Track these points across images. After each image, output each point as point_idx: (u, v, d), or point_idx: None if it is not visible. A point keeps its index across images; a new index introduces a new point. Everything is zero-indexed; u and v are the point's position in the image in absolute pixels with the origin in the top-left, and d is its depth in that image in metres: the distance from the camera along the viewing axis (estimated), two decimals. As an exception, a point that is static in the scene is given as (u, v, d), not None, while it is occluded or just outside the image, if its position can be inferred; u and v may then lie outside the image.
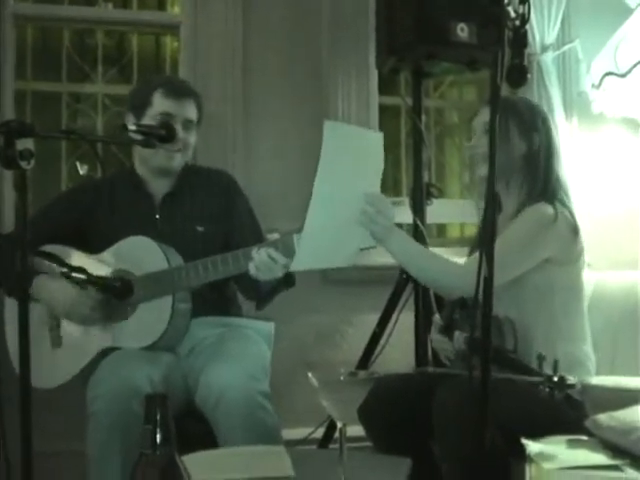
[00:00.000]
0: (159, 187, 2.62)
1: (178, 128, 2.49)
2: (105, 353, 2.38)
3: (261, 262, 2.18)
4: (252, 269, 2.21)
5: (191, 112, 2.58)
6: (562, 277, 2.31)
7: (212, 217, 2.61)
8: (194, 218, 2.60)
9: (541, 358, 1.91)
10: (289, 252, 2.14)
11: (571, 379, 1.85)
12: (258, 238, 2.50)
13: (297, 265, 2.03)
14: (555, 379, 1.84)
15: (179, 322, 2.41)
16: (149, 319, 2.38)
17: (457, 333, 2.23)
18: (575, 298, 2.36)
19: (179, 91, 2.58)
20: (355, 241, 2.14)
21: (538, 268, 2.26)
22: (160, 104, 2.53)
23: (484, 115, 2.41)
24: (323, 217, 1.96)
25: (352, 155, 2.01)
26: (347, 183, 2.02)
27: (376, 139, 2.13)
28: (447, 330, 2.30)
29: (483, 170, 2.41)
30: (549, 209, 2.26)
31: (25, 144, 1.63)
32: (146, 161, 2.59)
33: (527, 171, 2.36)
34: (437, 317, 2.45)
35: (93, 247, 2.49)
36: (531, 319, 2.27)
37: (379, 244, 2.18)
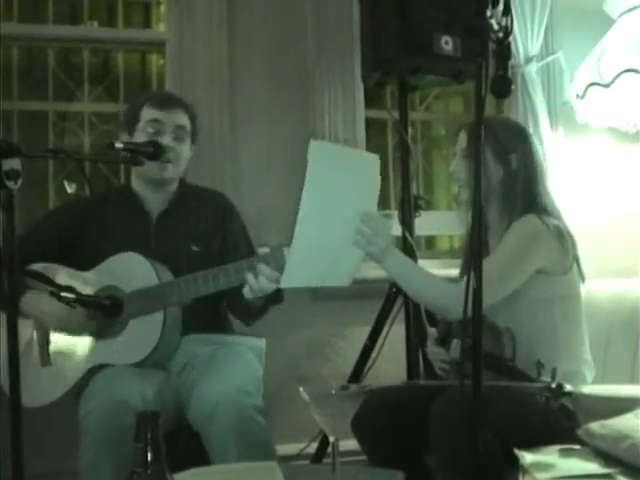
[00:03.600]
0: (155, 204, 2.62)
1: (167, 138, 2.50)
2: (95, 370, 2.37)
3: (260, 289, 2.18)
4: (247, 293, 2.21)
5: (181, 120, 2.58)
6: (558, 287, 2.31)
7: (207, 237, 2.61)
8: (189, 237, 2.59)
9: (540, 366, 1.92)
10: (280, 266, 2.13)
11: (568, 387, 1.85)
12: None
13: (286, 282, 2.03)
14: (553, 386, 1.84)
15: (170, 337, 2.40)
16: (140, 335, 2.37)
17: (454, 342, 2.23)
18: (572, 307, 2.36)
19: (166, 100, 2.60)
20: (350, 261, 2.13)
21: (532, 280, 2.26)
22: (148, 114, 2.54)
23: (462, 141, 2.43)
24: (311, 235, 1.96)
25: (343, 175, 2.01)
26: (338, 202, 2.02)
27: (371, 160, 2.13)
28: (444, 341, 2.30)
29: (464, 195, 2.43)
30: (535, 220, 2.26)
31: (12, 164, 1.62)
32: (140, 174, 2.59)
33: (506, 193, 2.36)
34: (433, 330, 2.46)
35: (85, 264, 2.48)
36: (530, 330, 2.27)
37: (377, 264, 2.19)
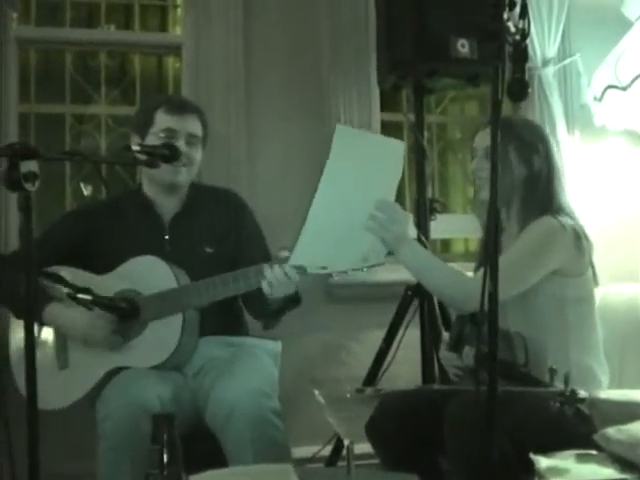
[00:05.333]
0: (167, 207, 2.62)
1: (181, 143, 2.50)
2: (113, 373, 2.37)
3: (275, 279, 2.21)
4: (265, 286, 2.23)
5: (194, 127, 2.58)
6: (572, 289, 2.30)
7: (221, 237, 2.61)
8: (203, 239, 2.59)
9: (552, 372, 1.91)
10: (300, 269, 2.16)
11: (582, 393, 1.84)
12: (266, 257, 2.50)
13: (295, 259, 2.04)
14: (566, 393, 1.83)
15: (188, 341, 2.40)
16: (158, 338, 2.38)
17: (467, 349, 2.22)
18: (586, 310, 2.35)
19: (181, 107, 2.60)
20: (362, 246, 2.12)
21: (548, 280, 2.26)
22: (162, 121, 2.54)
23: (485, 139, 2.40)
24: (325, 217, 1.97)
25: (365, 161, 2.01)
26: (356, 187, 2.02)
27: (396, 147, 2.13)
28: (456, 346, 2.29)
29: (484, 194, 2.41)
30: (553, 221, 2.26)
31: (29, 166, 1.63)
32: (153, 178, 2.59)
33: (528, 194, 2.36)
34: (446, 335, 2.45)
35: (100, 268, 2.49)
36: (543, 333, 2.26)
37: (391, 252, 2.18)
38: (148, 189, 2.63)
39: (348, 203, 2.02)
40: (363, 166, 2.01)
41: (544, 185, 2.35)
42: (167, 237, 2.59)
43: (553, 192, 2.35)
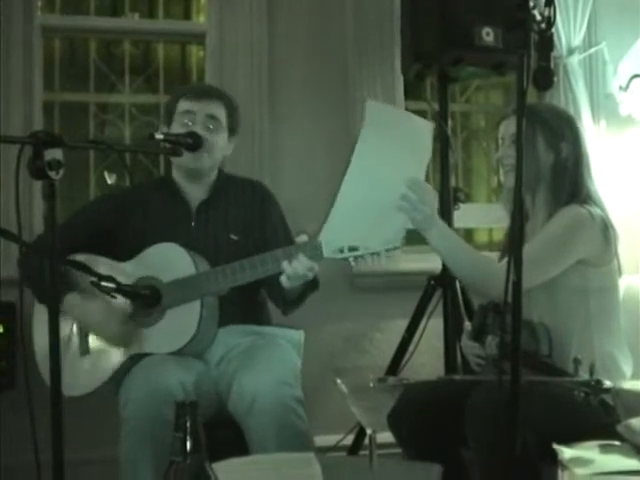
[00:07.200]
0: (195, 194, 2.63)
1: (199, 127, 2.51)
2: (134, 359, 2.39)
3: (295, 275, 2.20)
4: (284, 281, 2.24)
5: (213, 109, 2.57)
6: (597, 279, 2.28)
7: (246, 227, 2.62)
8: (229, 227, 2.60)
9: (577, 362, 1.90)
10: (317, 255, 2.16)
11: (607, 383, 1.83)
12: None
13: (325, 235, 2.01)
14: (592, 383, 1.83)
15: (207, 328, 2.41)
16: (177, 325, 2.39)
17: (489, 338, 2.21)
18: (610, 300, 2.34)
19: (202, 92, 2.62)
20: (393, 225, 2.10)
21: (572, 269, 2.24)
22: (183, 105, 2.56)
23: (512, 125, 2.38)
24: (356, 194, 1.94)
25: (395, 137, 1.99)
26: (387, 165, 2.00)
27: (425, 127, 2.11)
28: (479, 336, 2.29)
29: (511, 181, 2.38)
30: (582, 210, 2.24)
31: (54, 154, 1.64)
32: (180, 166, 2.60)
33: (555, 181, 2.34)
34: (468, 324, 2.44)
35: (126, 254, 2.50)
36: (566, 322, 2.25)
37: (420, 232, 2.16)
38: (176, 176, 2.65)
39: (378, 181, 2.00)
40: (394, 142, 1.99)
41: (572, 172, 2.33)
42: (193, 224, 2.59)
43: (581, 179, 2.33)
